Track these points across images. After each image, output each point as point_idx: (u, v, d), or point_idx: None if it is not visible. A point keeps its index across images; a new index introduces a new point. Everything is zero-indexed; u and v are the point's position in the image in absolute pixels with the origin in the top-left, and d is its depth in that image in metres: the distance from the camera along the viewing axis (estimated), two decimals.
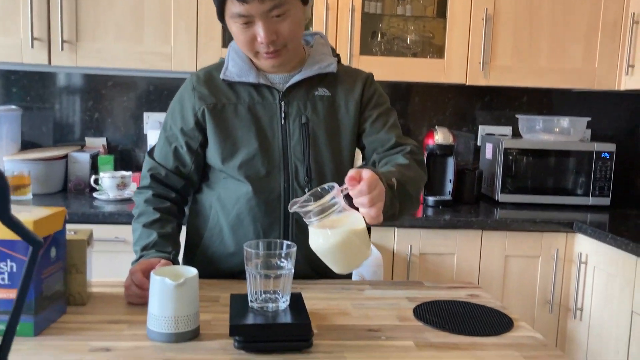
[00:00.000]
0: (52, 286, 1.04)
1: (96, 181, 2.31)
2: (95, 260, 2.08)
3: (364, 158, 1.44)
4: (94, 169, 2.44)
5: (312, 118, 1.35)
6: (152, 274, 1.01)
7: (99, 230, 2.05)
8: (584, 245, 2.19)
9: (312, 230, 1.05)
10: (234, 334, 0.96)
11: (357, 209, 1.06)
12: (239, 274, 1.35)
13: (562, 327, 2.28)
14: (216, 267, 1.38)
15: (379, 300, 1.25)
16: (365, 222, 1.07)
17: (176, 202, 1.42)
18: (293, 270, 1.05)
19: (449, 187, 2.43)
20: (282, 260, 1.04)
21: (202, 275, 1.40)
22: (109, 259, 2.06)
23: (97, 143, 2.59)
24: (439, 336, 1.07)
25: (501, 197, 2.48)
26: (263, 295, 1.02)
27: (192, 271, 1.04)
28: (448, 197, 2.43)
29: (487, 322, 1.14)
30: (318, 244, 1.04)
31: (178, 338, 0.99)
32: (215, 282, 1.33)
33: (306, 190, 1.33)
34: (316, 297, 1.25)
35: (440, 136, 2.40)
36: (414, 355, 0.98)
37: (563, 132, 2.56)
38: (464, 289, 1.35)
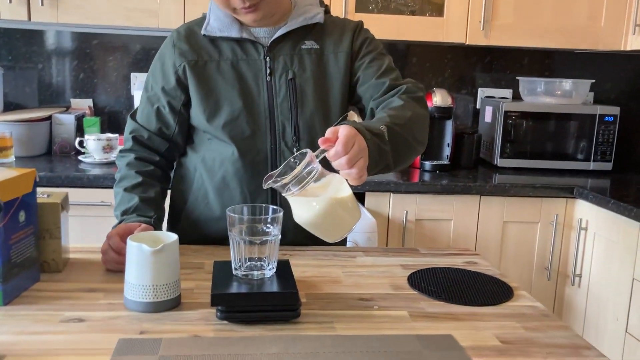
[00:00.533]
0: (23, 252, 0.98)
1: (81, 144, 2.23)
2: (80, 225, 2.04)
3: (362, 112, 1.36)
4: (80, 131, 2.35)
5: (299, 73, 1.27)
6: (128, 239, 0.94)
7: (85, 194, 1.98)
8: (585, 211, 2.13)
9: (292, 203, 0.98)
10: (216, 304, 0.90)
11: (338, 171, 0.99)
12: (225, 240, 1.29)
13: (559, 294, 2.24)
14: (201, 232, 1.31)
15: (371, 268, 1.19)
16: (351, 184, 0.99)
17: (160, 166, 1.35)
18: (279, 236, 0.98)
19: (447, 151, 2.36)
20: (268, 225, 0.97)
21: (186, 240, 1.35)
22: (95, 224, 2.00)
23: (82, 104, 2.50)
24: (434, 306, 1.01)
25: (500, 162, 2.42)
26: (247, 263, 0.96)
27: (172, 237, 0.97)
28: (446, 161, 2.36)
29: (486, 291, 1.08)
30: (301, 216, 0.97)
31: (157, 307, 0.93)
32: (200, 247, 1.27)
33: (294, 150, 1.26)
34: (306, 264, 1.19)
35: (439, 98, 2.32)
36: (408, 326, 0.93)
37: (565, 95, 2.48)
38: (461, 256, 1.29)
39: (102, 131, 2.41)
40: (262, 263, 0.96)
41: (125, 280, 0.95)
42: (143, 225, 1.15)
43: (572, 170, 2.43)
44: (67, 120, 2.31)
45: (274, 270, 0.98)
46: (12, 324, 0.88)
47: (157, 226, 1.21)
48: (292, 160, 0.96)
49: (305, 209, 0.96)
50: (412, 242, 2.13)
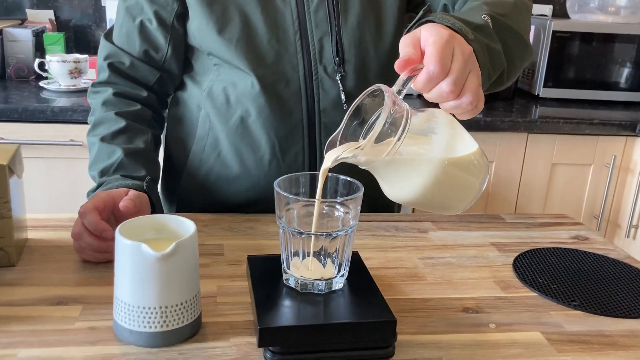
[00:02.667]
0: None
1: (42, 66, 1.80)
2: (45, 173, 1.64)
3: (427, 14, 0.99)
4: (40, 50, 1.91)
5: None
6: (118, 233, 0.58)
7: (49, 131, 1.58)
8: None
9: (381, 176, 0.62)
10: (267, 344, 0.56)
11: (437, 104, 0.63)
12: (246, 207, 0.94)
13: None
14: (211, 196, 0.96)
15: (456, 250, 0.85)
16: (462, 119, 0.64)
17: (149, 104, 0.97)
18: (356, 225, 0.63)
19: None
20: (339, 208, 0.62)
21: (191, 208, 0.99)
22: (64, 170, 1.62)
23: (42, 17, 2.04)
24: (572, 319, 0.69)
25: (543, 92, 2.06)
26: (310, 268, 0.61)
27: (188, 226, 0.62)
28: None
29: (634, 289, 0.76)
30: (399, 193, 0.61)
31: (166, 340, 0.59)
32: (211, 218, 0.91)
33: (338, 78, 0.90)
34: (364, 245, 0.85)
35: None
36: None
37: (622, 12, 2.10)
38: (562, 227, 0.96)
39: (68, 51, 1.97)
40: (331, 267, 0.62)
41: (114, 296, 0.60)
42: (131, 191, 0.79)
43: (632, 104, 2.08)
44: (22, 35, 1.86)
45: (345, 277, 0.64)
46: None
47: (152, 191, 0.85)
48: (358, 106, 0.60)
49: (398, 185, 0.60)
50: None
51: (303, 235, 0.60)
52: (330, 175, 0.63)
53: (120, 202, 0.74)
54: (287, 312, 0.57)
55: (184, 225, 0.62)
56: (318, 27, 0.90)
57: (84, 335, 0.61)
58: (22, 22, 2.03)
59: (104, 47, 0.97)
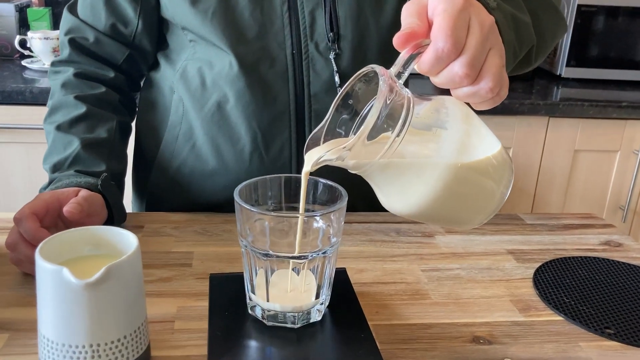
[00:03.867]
0: None
1: (23, 44, 1.68)
2: (26, 160, 1.51)
3: None
4: (25, 27, 1.79)
5: None
6: (37, 253, 0.46)
7: (29, 114, 1.47)
8: None
9: (375, 182, 0.49)
10: None
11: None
12: (222, 206, 0.82)
13: (635, 238, 1.82)
14: (185, 193, 0.84)
15: (465, 260, 0.73)
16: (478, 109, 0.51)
17: (116, 86, 0.85)
18: (339, 243, 0.51)
19: None
20: (319, 221, 0.49)
21: (161, 207, 0.87)
22: None
23: None
24: (607, 353, 0.56)
25: (566, 72, 1.91)
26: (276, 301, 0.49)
27: (129, 242, 0.50)
28: None
29: None
30: (396, 207, 0.48)
31: None
32: (184, 219, 0.79)
33: (332, 56, 0.77)
34: (358, 253, 0.73)
35: None
36: None
37: None
38: (590, 230, 0.83)
39: (55, 27, 1.85)
40: (307, 293, 0.50)
41: (38, 332, 0.48)
42: (82, 192, 0.67)
43: None
44: (4, 10, 1.74)
45: (326, 305, 0.51)
46: None
47: (109, 190, 0.72)
48: (344, 96, 0.47)
49: (402, 191, 0.47)
50: None
51: (270, 258, 0.48)
52: (309, 178, 0.50)
53: (64, 207, 0.62)
54: (247, 355, 0.45)
55: (126, 240, 0.50)
56: None
57: None
58: None
59: (65, 20, 0.84)
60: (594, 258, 0.74)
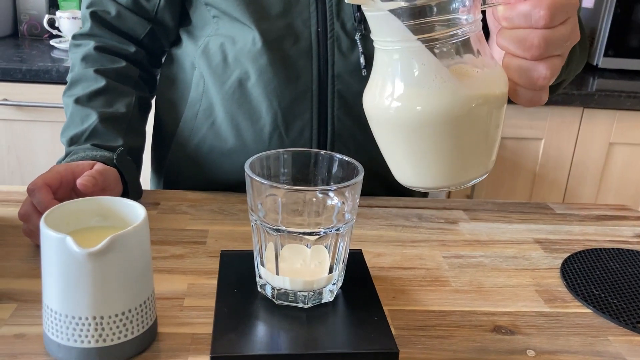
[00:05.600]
0: None
1: (52, 23, 1.69)
2: (51, 139, 1.51)
3: None
4: (55, 6, 1.80)
5: None
6: (42, 220, 0.45)
7: (54, 92, 1.47)
8: None
9: (379, 73, 0.46)
10: None
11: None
12: (240, 186, 0.80)
13: None
14: (202, 171, 0.82)
15: (489, 247, 0.70)
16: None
17: (137, 60, 0.84)
18: (353, 221, 0.48)
19: None
20: (333, 197, 0.47)
21: (179, 184, 0.86)
22: None
23: None
24: (638, 348, 0.53)
25: (603, 62, 1.84)
26: (288, 275, 0.47)
27: (137, 213, 0.48)
28: None
29: None
30: (396, 108, 0.45)
31: (102, 358, 0.46)
32: (201, 198, 0.78)
33: (357, 37, 0.75)
34: (377, 237, 0.70)
35: None
36: None
37: None
38: (624, 222, 0.79)
39: None
40: (318, 272, 0.47)
41: (42, 303, 0.47)
42: (97, 165, 0.65)
43: None
44: None
45: (339, 286, 0.49)
46: None
47: (124, 165, 0.71)
48: None
49: (415, 96, 0.44)
50: None
51: (281, 233, 0.45)
52: (323, 153, 0.48)
53: (78, 179, 0.61)
54: (253, 334, 0.43)
55: (133, 212, 0.49)
56: None
57: (8, 345, 0.48)
58: None
59: None
60: (627, 250, 0.70)
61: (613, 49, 1.82)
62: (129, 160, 0.71)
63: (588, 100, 1.57)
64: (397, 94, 0.44)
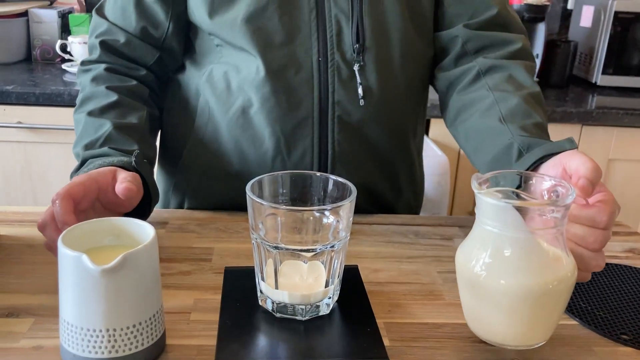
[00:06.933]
0: None
1: (64, 48, 1.74)
2: (64, 161, 1.55)
3: (436, 30, 0.86)
4: (66, 32, 1.86)
5: None
6: (60, 241, 0.49)
7: (67, 115, 1.52)
8: None
9: (478, 240, 0.52)
10: None
11: None
12: (244, 208, 0.83)
13: None
14: (208, 193, 0.86)
15: None
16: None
17: (147, 82, 0.87)
18: (347, 238, 0.52)
19: (536, 63, 1.82)
20: (329, 216, 0.51)
21: (187, 204, 0.89)
22: None
23: None
24: (624, 359, 0.56)
25: (601, 80, 1.87)
26: (287, 290, 0.51)
27: (147, 232, 0.52)
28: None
29: None
30: (485, 277, 0.52)
31: None
32: (206, 217, 0.82)
33: (355, 68, 0.78)
34: (375, 254, 0.73)
35: None
36: None
37: None
38: (614, 237, 0.82)
39: None
40: (316, 287, 0.51)
41: (59, 316, 0.50)
42: (121, 171, 0.67)
43: None
44: (47, 16, 1.82)
45: (335, 300, 0.53)
46: None
47: (142, 167, 0.72)
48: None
49: (509, 274, 0.50)
50: None
51: (280, 250, 0.49)
52: (319, 174, 0.52)
53: (117, 186, 0.63)
54: (255, 345, 0.47)
55: (144, 231, 0.52)
56: (337, 5, 0.79)
57: (26, 356, 0.52)
58: (51, 2, 1.99)
59: (95, 22, 0.88)
60: (616, 265, 0.73)
61: (612, 67, 1.86)
62: (146, 163, 0.73)
63: (587, 117, 1.61)
64: (490, 266, 0.50)
